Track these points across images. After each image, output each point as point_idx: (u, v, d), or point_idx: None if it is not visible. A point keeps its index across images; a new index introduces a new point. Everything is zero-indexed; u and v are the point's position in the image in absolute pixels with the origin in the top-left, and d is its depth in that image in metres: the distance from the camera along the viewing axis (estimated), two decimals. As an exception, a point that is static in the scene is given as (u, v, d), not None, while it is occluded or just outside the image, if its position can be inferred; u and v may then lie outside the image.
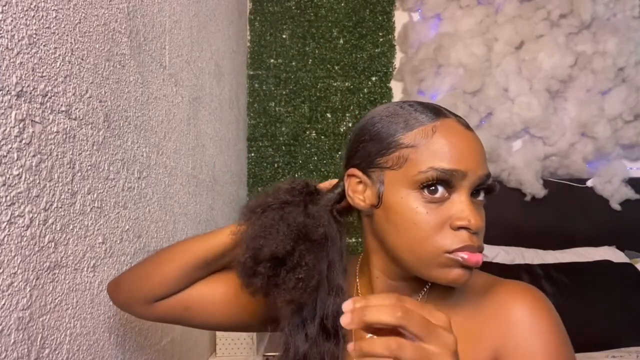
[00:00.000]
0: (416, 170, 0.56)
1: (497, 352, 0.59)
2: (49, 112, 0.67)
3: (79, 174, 0.75)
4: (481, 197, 0.60)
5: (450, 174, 0.56)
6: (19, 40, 0.61)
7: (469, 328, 0.60)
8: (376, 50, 2.28)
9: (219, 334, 1.59)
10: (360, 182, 0.63)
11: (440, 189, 0.56)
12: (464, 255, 0.55)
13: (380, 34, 2.28)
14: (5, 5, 0.59)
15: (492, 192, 0.61)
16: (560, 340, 0.58)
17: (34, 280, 0.64)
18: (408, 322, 0.40)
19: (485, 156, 0.60)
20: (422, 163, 0.56)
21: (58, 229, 0.70)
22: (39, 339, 0.65)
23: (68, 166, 0.72)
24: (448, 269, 0.56)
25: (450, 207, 0.56)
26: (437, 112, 0.60)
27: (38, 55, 0.65)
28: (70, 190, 0.73)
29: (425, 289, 0.65)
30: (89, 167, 0.78)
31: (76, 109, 0.75)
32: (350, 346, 0.42)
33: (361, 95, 2.27)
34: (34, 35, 0.64)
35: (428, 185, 0.56)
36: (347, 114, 2.27)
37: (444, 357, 0.40)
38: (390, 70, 2.28)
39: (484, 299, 0.62)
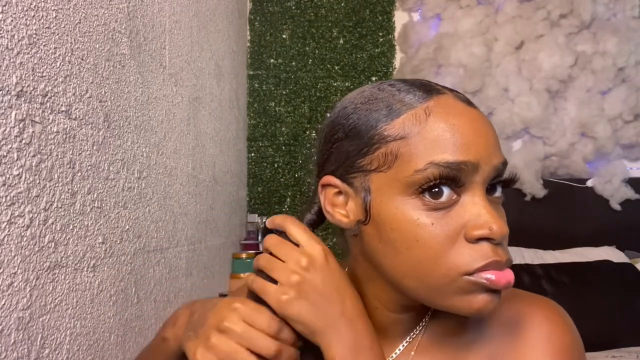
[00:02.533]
0: (411, 169, 0.43)
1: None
2: (49, 112, 0.67)
3: (79, 174, 0.75)
4: (498, 193, 0.47)
5: (458, 168, 0.42)
6: (19, 40, 0.61)
7: (469, 348, 0.51)
8: (376, 50, 2.28)
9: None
10: (340, 192, 0.50)
11: (446, 190, 0.43)
12: (489, 276, 0.42)
13: (380, 34, 2.28)
14: (5, 5, 0.59)
15: (511, 184, 0.48)
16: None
17: (34, 280, 0.64)
18: (272, 248, 0.49)
19: (498, 139, 0.47)
20: (418, 158, 0.43)
21: (58, 229, 0.70)
22: (39, 339, 0.65)
23: (68, 166, 0.72)
24: (470, 296, 0.43)
25: (462, 212, 0.43)
26: (427, 89, 0.47)
27: (38, 55, 0.65)
28: (70, 190, 0.73)
29: (425, 319, 0.53)
30: (89, 167, 0.78)
31: (76, 109, 0.75)
32: None
33: (361, 95, 2.27)
34: (34, 35, 0.64)
35: (429, 187, 0.43)
36: (347, 114, 2.27)
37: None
38: (390, 70, 2.28)
39: (497, 316, 0.51)
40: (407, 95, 0.47)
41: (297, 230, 0.49)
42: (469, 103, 0.47)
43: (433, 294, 0.45)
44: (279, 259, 0.49)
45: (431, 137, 0.44)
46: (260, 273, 0.50)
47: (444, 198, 0.43)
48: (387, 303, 0.51)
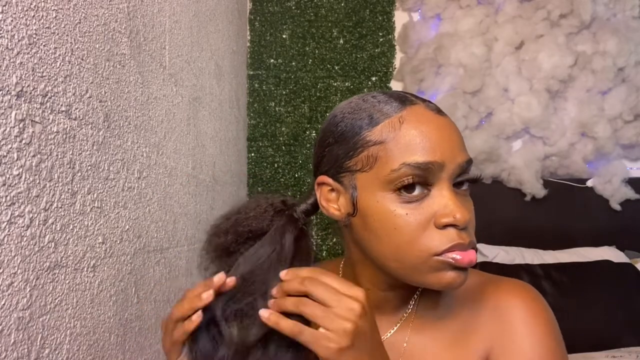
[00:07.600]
0: (388, 169, 0.51)
1: (489, 353, 0.56)
2: (49, 112, 0.67)
3: (79, 174, 0.75)
4: (465, 186, 0.55)
5: (426, 167, 0.50)
6: (19, 40, 0.61)
7: (463, 332, 0.58)
8: (376, 50, 2.28)
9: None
10: (332, 189, 0.58)
11: (418, 185, 0.51)
12: (455, 255, 0.50)
13: (380, 34, 2.28)
14: (5, 5, 0.59)
15: (476, 181, 0.55)
16: (554, 341, 0.55)
17: (34, 280, 0.64)
18: (313, 289, 0.48)
19: (463, 141, 0.55)
20: (393, 160, 0.51)
21: (58, 229, 0.70)
22: (39, 339, 0.65)
23: (68, 166, 0.72)
24: (440, 273, 0.51)
25: (432, 203, 0.51)
26: (402, 100, 0.55)
27: (38, 55, 0.65)
28: (70, 190, 0.73)
29: (415, 297, 0.61)
30: (89, 167, 0.78)
31: (76, 109, 0.75)
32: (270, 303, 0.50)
33: (361, 95, 2.26)
34: (34, 35, 0.64)
35: (403, 183, 0.51)
36: (347, 114, 2.27)
37: (342, 320, 0.46)
38: (390, 70, 2.28)
39: (478, 302, 0.59)
40: (385, 106, 0.54)
41: (332, 279, 0.49)
42: (438, 111, 0.54)
43: (410, 272, 0.52)
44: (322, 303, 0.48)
45: (404, 142, 0.51)
46: (294, 317, 0.48)
47: (416, 192, 0.51)
48: (377, 283, 0.60)
